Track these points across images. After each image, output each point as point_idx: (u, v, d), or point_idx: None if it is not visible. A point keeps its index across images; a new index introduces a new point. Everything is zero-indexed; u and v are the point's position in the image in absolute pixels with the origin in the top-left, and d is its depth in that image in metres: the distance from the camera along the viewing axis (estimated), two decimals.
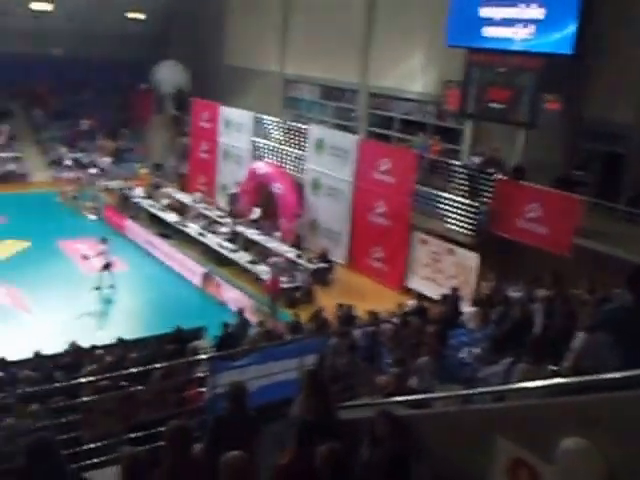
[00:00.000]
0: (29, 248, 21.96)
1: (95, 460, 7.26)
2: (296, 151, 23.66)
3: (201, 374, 9.50)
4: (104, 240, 19.69)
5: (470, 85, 19.28)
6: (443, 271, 18.55)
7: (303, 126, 23.93)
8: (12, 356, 12.54)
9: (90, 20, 32.34)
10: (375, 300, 16.36)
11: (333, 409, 5.94)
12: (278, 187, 22.97)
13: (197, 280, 20.24)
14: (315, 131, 23.13)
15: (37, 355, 12.40)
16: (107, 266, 19.27)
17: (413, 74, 22.57)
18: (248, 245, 21.85)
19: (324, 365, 9.30)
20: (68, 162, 31.10)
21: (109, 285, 19.30)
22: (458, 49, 19.36)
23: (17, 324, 16.85)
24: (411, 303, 15.22)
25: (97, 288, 19.01)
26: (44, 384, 10.01)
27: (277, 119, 25.27)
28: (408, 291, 19.11)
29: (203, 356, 10.43)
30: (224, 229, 22.99)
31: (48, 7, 29.99)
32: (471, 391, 6.27)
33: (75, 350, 12.74)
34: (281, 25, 27.98)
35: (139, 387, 9.07)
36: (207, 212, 24.64)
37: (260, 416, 6.25)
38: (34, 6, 30.24)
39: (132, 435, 7.78)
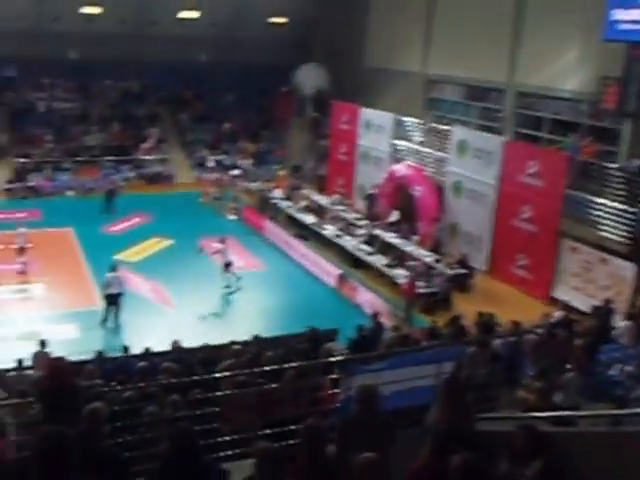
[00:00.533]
0: (172, 246, 22.79)
1: (231, 452, 7.33)
2: (437, 153, 23.19)
3: (335, 376, 9.39)
4: (222, 240, 19.98)
5: (630, 82, 17.99)
6: (594, 281, 17.49)
7: (445, 127, 23.41)
8: (155, 347, 12.92)
9: (233, 26, 33.34)
10: (517, 309, 15.72)
11: (470, 419, 5.69)
12: (418, 190, 22.58)
13: (332, 282, 20.24)
14: (458, 132, 22.55)
15: (177, 348, 12.72)
16: (227, 265, 19.53)
17: (566, 71, 21.40)
18: (385, 248, 21.59)
19: (462, 374, 8.93)
20: (211, 164, 32.14)
21: (228, 285, 19.50)
22: (617, 43, 18.17)
23: (160, 318, 17.49)
24: (557, 314, 14.50)
25: (227, 287, 19.33)
26: (184, 376, 10.22)
27: (418, 120, 24.88)
28: (554, 301, 18.15)
29: (337, 358, 10.31)
30: (361, 231, 22.86)
31: (195, 14, 31.21)
32: (624, 411, 5.74)
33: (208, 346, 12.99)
34: (425, 24, 27.53)
35: (274, 385, 9.06)
36: (344, 214, 24.62)
37: (394, 420, 6.10)
38: (182, 14, 31.54)
39: (267, 431, 7.77)
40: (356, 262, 21.27)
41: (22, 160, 29.94)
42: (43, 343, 12.58)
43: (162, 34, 32.33)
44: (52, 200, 28.14)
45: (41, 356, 12.06)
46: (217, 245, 20.04)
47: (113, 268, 17.08)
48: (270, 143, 34.49)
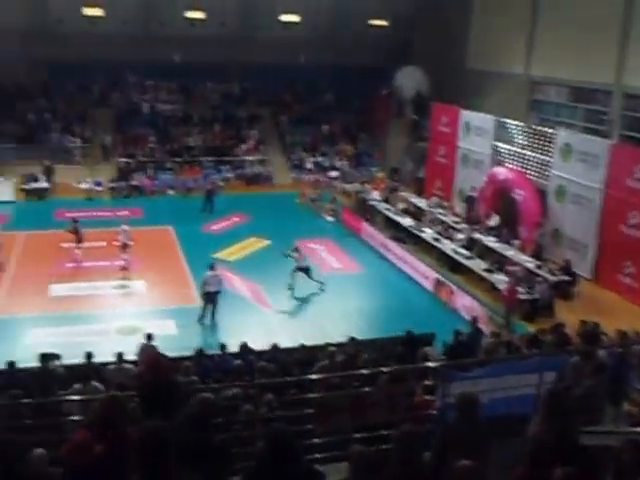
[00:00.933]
0: (270, 246, 23.00)
1: (324, 455, 7.24)
2: (540, 156, 22.45)
3: (431, 381, 9.17)
4: (297, 249, 19.79)
5: None
6: None
7: (549, 130, 22.64)
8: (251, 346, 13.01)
9: (333, 28, 33.46)
10: (624, 319, 15.07)
11: (573, 432, 5.42)
12: (519, 193, 21.94)
13: (429, 285, 19.92)
14: (562, 135, 21.77)
15: (274, 348, 12.77)
16: (305, 270, 19.41)
17: None
18: (484, 253, 21.07)
19: (564, 384, 8.53)
20: (309, 165, 32.34)
21: (291, 286, 19.23)
22: None
23: (256, 317, 17.65)
24: None
25: (290, 288, 19.17)
26: (279, 376, 10.25)
27: (521, 123, 24.18)
28: None
29: (434, 363, 10.08)
30: (460, 235, 22.40)
31: (296, 18, 31.54)
32: None
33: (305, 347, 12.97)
34: (528, 24, 26.78)
35: (369, 388, 8.94)
36: (443, 217, 24.21)
37: (491, 429, 5.92)
38: (283, 18, 31.90)
39: (361, 434, 7.64)
40: (454, 266, 20.86)
41: (126, 160, 31.02)
42: (150, 336, 12.87)
43: (263, 37, 32.79)
44: (154, 199, 29.04)
45: (147, 349, 12.33)
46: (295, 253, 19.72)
47: (211, 267, 17.35)
48: (368, 145, 34.42)
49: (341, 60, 33.21)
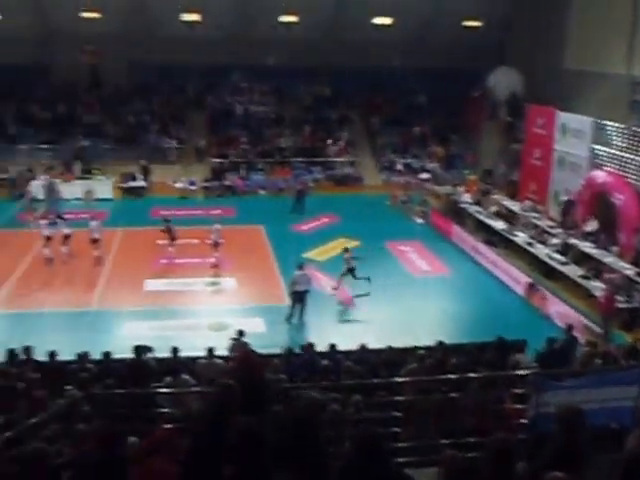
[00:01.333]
0: (358, 247, 22.97)
1: (411, 458, 7.15)
2: None
3: (523, 390, 8.92)
4: (346, 250, 19.68)
5: None
6: None
7: None
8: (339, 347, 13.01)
9: (426, 30, 33.12)
10: None
11: None
12: (619, 198, 21.08)
13: (521, 290, 19.43)
14: None
15: (362, 348, 12.72)
16: (351, 271, 19.18)
17: None
18: (580, 258, 20.36)
19: None
20: (399, 167, 32.15)
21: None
22: None
23: (343, 317, 17.64)
24: None
25: (334, 289, 19.11)
26: (366, 377, 10.19)
27: (622, 125, 23.25)
28: None
29: (527, 371, 9.80)
30: (555, 240, 21.73)
31: (388, 21, 31.51)
32: None
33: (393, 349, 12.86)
34: (630, 23, 25.70)
35: (458, 393, 8.77)
36: (537, 221, 23.55)
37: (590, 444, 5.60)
38: (375, 20, 31.88)
39: (450, 440, 7.50)
40: (548, 271, 20.27)
41: (219, 160, 31.68)
42: (241, 333, 13.08)
43: (354, 39, 32.78)
44: (245, 198, 29.55)
45: (239, 345, 12.52)
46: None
47: (300, 266, 17.46)
48: (460, 147, 33.93)
49: (433, 61, 32.88)
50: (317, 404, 5.42)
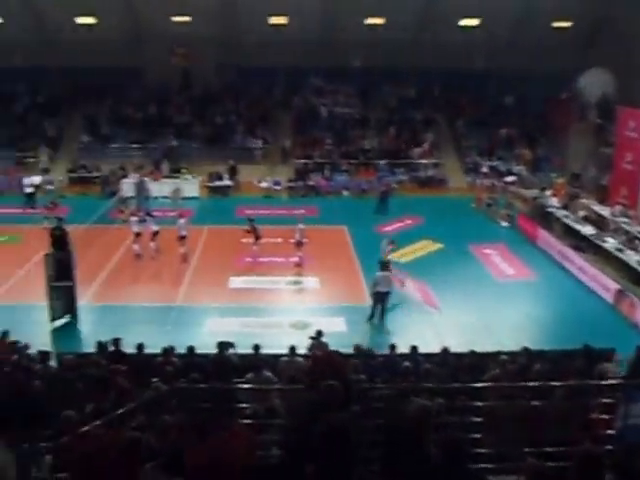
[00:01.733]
0: (442, 249, 22.76)
1: (492, 465, 7.05)
2: None
3: (610, 400, 8.63)
4: (393, 241, 19.72)
5: None
6: None
7: None
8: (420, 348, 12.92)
9: (514, 31, 32.49)
10: None
11: None
12: None
13: (609, 297, 18.82)
14: None
15: (444, 351, 12.60)
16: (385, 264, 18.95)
17: None
18: None
19: None
20: (485, 169, 31.66)
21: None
22: None
23: (424, 319, 17.51)
24: None
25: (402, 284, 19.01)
26: (448, 381, 10.09)
27: None
28: None
29: (614, 381, 9.50)
30: None
31: (475, 22, 31.18)
32: None
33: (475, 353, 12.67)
34: None
35: (542, 401, 8.56)
36: (628, 227, 22.74)
37: None
38: (462, 22, 31.61)
39: (532, 449, 7.33)
40: (638, 278, 19.54)
41: (303, 161, 31.96)
42: (320, 333, 13.17)
43: (441, 41, 32.52)
44: (329, 199, 29.75)
45: (317, 345, 12.61)
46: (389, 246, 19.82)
47: (383, 267, 17.42)
48: (548, 150, 33.16)
49: (521, 62, 32.21)
50: (427, 411, 5.39)
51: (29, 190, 27.85)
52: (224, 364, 11.73)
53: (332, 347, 11.53)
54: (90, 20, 32.01)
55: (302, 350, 12.65)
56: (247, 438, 5.15)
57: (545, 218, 25.33)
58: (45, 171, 30.64)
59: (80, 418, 7.86)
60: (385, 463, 4.82)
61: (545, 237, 23.47)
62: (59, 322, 16.72)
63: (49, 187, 29.47)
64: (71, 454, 5.46)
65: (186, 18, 31.82)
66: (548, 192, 27.37)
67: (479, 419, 8.36)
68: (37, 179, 28.95)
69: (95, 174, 30.99)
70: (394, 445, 4.94)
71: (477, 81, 34.15)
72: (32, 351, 12.53)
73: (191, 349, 12.34)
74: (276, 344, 13.46)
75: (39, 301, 16.77)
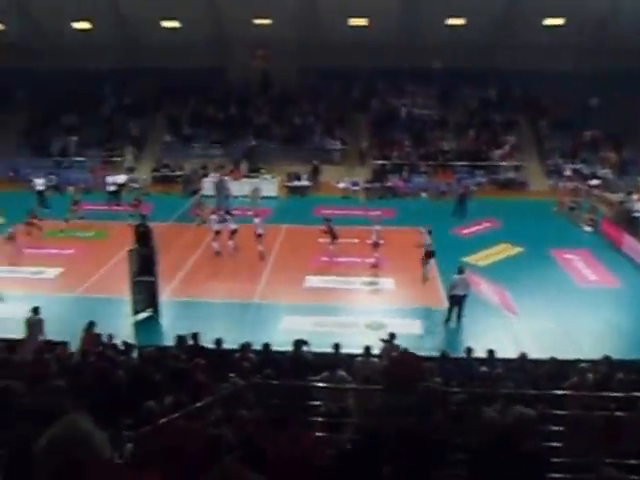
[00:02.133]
0: (521, 253, 22.32)
1: (571, 475, 6.88)
2: None
3: None
4: (429, 231, 19.76)
5: None
6: None
7: None
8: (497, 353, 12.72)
9: (601, 29, 31.57)
10: None
11: None
12: None
13: None
14: None
15: (522, 357, 12.36)
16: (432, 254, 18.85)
17: None
18: None
19: None
20: (568, 172, 30.86)
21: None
22: None
23: (502, 323, 17.21)
24: None
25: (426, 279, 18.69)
26: (526, 387, 9.90)
27: None
28: None
29: None
30: None
31: (560, 21, 30.53)
32: None
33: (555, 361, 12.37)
34: None
35: (624, 412, 8.30)
36: None
37: None
38: (547, 22, 31.02)
39: (613, 460, 7.10)
40: None
41: (380, 162, 31.89)
42: (393, 335, 13.12)
43: (524, 41, 31.88)
44: (406, 200, 29.59)
45: (389, 348, 12.59)
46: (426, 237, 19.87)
47: (460, 270, 17.20)
48: (634, 153, 32.00)
49: (607, 62, 31.30)
50: (528, 419, 5.31)
51: (112, 188, 28.78)
52: (300, 362, 11.84)
53: (403, 350, 11.48)
54: (174, 24, 32.84)
55: (376, 351, 12.64)
56: (320, 436, 5.19)
57: (631, 223, 24.46)
58: (130, 170, 31.62)
59: (160, 410, 8.07)
60: (474, 468, 4.76)
61: (631, 243, 22.68)
62: (141, 316, 17.21)
63: (134, 185, 30.37)
64: (152, 444, 5.61)
65: (267, 21, 32.24)
66: (635, 196, 26.47)
67: (557, 427, 8.17)
68: (121, 178, 29.88)
69: (177, 173, 31.75)
70: (487, 451, 4.87)
71: (561, 81, 33.24)
72: (115, 342, 12.99)
73: (266, 346, 12.50)
74: (352, 344, 13.48)
75: (122, 295, 17.33)
